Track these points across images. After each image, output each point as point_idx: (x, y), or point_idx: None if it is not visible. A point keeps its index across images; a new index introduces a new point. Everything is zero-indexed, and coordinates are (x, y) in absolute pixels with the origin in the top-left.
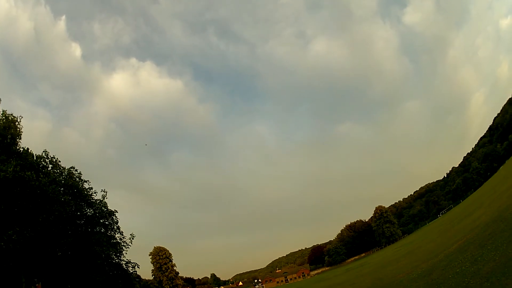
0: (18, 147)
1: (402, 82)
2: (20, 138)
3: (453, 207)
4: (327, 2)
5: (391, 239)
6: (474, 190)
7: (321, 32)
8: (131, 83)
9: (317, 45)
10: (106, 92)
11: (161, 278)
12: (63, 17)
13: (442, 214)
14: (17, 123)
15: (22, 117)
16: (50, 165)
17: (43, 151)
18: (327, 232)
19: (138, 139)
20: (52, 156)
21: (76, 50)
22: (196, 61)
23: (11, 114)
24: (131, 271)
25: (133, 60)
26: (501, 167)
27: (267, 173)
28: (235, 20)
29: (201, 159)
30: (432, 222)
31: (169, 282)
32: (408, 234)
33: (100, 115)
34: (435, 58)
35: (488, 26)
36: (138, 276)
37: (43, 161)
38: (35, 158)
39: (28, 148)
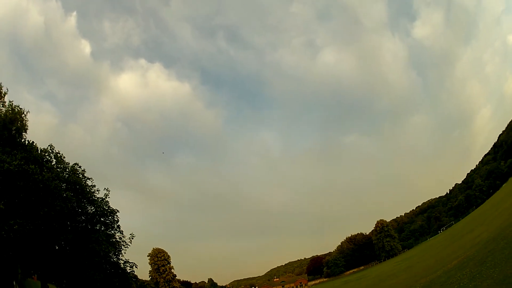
0: (23, 140)
1: (409, 95)
2: (25, 132)
3: (454, 223)
4: (337, 13)
5: (391, 253)
6: (476, 207)
7: (330, 42)
8: (139, 84)
9: (326, 55)
10: (113, 91)
11: (158, 279)
12: (74, 13)
13: (443, 230)
14: (23, 115)
15: (29, 112)
16: (54, 160)
17: (49, 146)
18: (327, 243)
19: (143, 139)
20: (57, 151)
21: (86, 47)
22: (205, 65)
23: (18, 106)
24: (129, 270)
25: (142, 61)
26: (503, 185)
27: (270, 180)
28: (244, 26)
29: (204, 163)
30: (432, 237)
31: (166, 284)
32: (408, 249)
33: (106, 114)
34: (443, 72)
35: (496, 41)
36: (135, 276)
37: (47, 155)
38: (39, 152)
39: (33, 142)
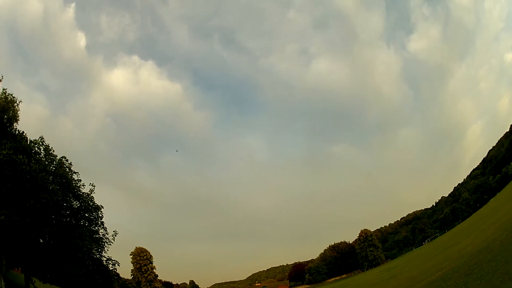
0: (13, 129)
1: (400, 108)
2: (17, 122)
3: (439, 236)
4: (333, 22)
5: (374, 263)
6: (462, 221)
7: (325, 51)
8: (131, 81)
9: (319, 64)
10: (105, 86)
11: (140, 279)
12: (73, 4)
13: (427, 241)
14: (15, 105)
15: (21, 101)
16: (43, 152)
17: (39, 137)
18: (310, 250)
19: (131, 137)
20: (46, 143)
21: (82, 40)
22: (197, 66)
23: (11, 94)
24: (111, 268)
25: (135, 58)
26: (491, 199)
27: (255, 186)
28: (240, 29)
29: (191, 164)
30: (417, 249)
31: (148, 284)
32: (392, 259)
33: (96, 108)
34: (435, 87)
35: (492, 58)
36: (117, 274)
37: (36, 147)
38: (29, 143)
39: (23, 132)
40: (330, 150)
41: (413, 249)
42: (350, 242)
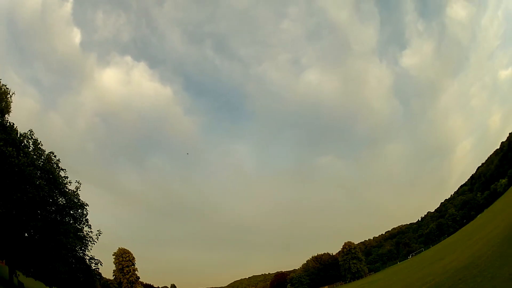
0: (5, 121)
1: (389, 122)
2: (8, 113)
3: (424, 250)
4: (327, 34)
5: (356, 275)
6: (448, 236)
7: (316, 63)
8: (122, 81)
9: (310, 75)
10: (96, 85)
11: (122, 280)
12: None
13: (412, 256)
14: (8, 96)
15: (14, 93)
16: (32, 146)
17: (29, 131)
18: (292, 260)
19: (119, 138)
20: (35, 137)
21: (77, 36)
22: (189, 71)
23: (5, 85)
24: (94, 267)
25: (128, 58)
26: (478, 215)
27: (241, 194)
28: (233, 36)
29: (178, 169)
30: (401, 262)
31: (129, 285)
32: (375, 272)
33: (86, 107)
34: (426, 102)
35: (486, 75)
36: (100, 274)
37: (26, 140)
38: (18, 136)
39: (13, 124)
40: (317, 161)
41: (397, 263)
42: (333, 254)
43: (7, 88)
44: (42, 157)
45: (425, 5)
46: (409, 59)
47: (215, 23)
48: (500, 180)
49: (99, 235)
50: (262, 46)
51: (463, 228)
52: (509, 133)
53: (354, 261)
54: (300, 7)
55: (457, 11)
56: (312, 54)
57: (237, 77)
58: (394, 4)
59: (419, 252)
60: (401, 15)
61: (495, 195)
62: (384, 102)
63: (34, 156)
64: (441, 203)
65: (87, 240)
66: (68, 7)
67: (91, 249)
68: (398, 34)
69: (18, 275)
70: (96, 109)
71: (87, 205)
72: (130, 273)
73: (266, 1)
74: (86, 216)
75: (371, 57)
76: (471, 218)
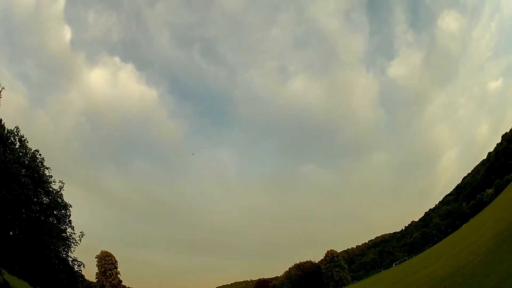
0: None
1: (373, 132)
2: None
3: (408, 259)
4: (315, 42)
5: (339, 283)
6: (433, 245)
7: (303, 71)
8: (109, 82)
9: (296, 83)
10: (84, 84)
11: (104, 283)
12: None
13: (396, 264)
14: None
15: (4, 88)
16: (18, 143)
17: (15, 127)
18: (274, 267)
19: (104, 139)
20: (21, 134)
21: (67, 34)
22: (175, 74)
23: None
24: (76, 269)
25: (116, 59)
26: (464, 225)
27: (223, 200)
28: (221, 42)
29: (161, 173)
30: (385, 271)
31: None
32: (358, 281)
33: (73, 106)
34: (412, 112)
35: (475, 87)
36: (82, 276)
37: (12, 137)
38: (5, 132)
39: (1, 120)
40: (300, 169)
41: (381, 271)
42: (316, 262)
43: None
44: (28, 155)
45: (416, 16)
46: (397, 69)
47: (205, 27)
48: (487, 190)
49: (82, 237)
50: (250, 53)
51: (448, 237)
52: (497, 144)
53: (337, 269)
54: (290, 14)
55: (449, 23)
56: (299, 62)
57: (223, 83)
58: (384, 15)
59: (403, 260)
60: (391, 26)
61: (481, 205)
62: (369, 111)
63: (20, 154)
64: (426, 212)
65: (70, 241)
66: (61, 3)
67: (74, 250)
68: (387, 44)
69: (4, 273)
70: (82, 109)
71: (70, 205)
72: (112, 276)
73: (257, 7)
74: (69, 217)
75: (358, 66)
76: (456, 227)
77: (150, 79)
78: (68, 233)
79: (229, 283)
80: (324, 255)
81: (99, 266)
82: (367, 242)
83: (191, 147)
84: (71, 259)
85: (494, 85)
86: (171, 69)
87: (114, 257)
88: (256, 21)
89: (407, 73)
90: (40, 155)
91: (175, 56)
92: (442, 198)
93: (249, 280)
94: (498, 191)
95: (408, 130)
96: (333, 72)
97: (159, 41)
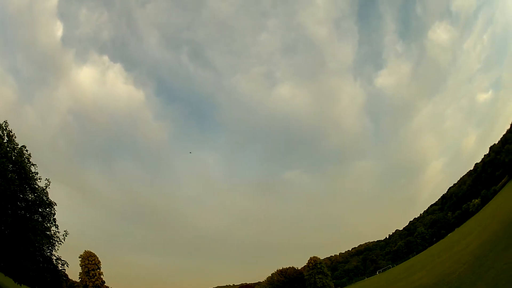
0: None
1: (359, 140)
2: None
3: (392, 267)
4: (303, 49)
5: None
6: (417, 254)
7: (290, 77)
8: (97, 81)
9: (283, 89)
10: (72, 82)
11: (88, 283)
12: None
13: (379, 272)
14: None
15: None
16: (6, 138)
17: (4, 122)
18: (257, 272)
19: (90, 138)
20: (9, 129)
21: (59, 30)
22: (162, 76)
23: None
24: (60, 268)
25: (105, 58)
26: (449, 234)
27: (207, 203)
28: (210, 45)
29: (146, 174)
30: (369, 278)
31: None
32: (342, 287)
33: (61, 103)
34: (398, 122)
35: (463, 98)
36: (66, 275)
37: (1, 131)
38: None
39: None
40: (284, 175)
41: (364, 279)
42: (299, 268)
43: None
44: (15, 150)
45: (406, 27)
46: (385, 79)
47: (194, 30)
48: (473, 200)
49: (66, 236)
50: (238, 57)
51: (433, 246)
52: (484, 155)
53: (320, 275)
54: (280, 20)
55: (439, 35)
56: (286, 69)
57: (209, 86)
58: (374, 24)
59: (387, 268)
60: (381, 36)
61: (467, 215)
62: (355, 119)
63: (8, 149)
64: (410, 221)
65: (54, 240)
66: None
67: (58, 249)
68: (375, 54)
69: None
70: (70, 107)
71: (55, 204)
72: (96, 277)
73: (247, 12)
74: (54, 215)
75: (345, 74)
76: (441, 236)
77: (138, 80)
78: (52, 231)
79: (211, 287)
80: (307, 262)
81: (82, 266)
82: (350, 249)
83: (176, 149)
84: (55, 257)
85: (483, 97)
86: (158, 71)
87: (98, 258)
88: (245, 26)
89: (395, 83)
90: (27, 151)
91: (163, 57)
92: (427, 208)
93: (231, 284)
94: (485, 201)
95: (394, 139)
96: (320, 80)
97: (148, 42)
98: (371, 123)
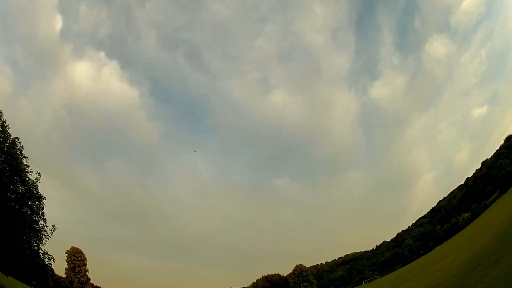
0: None
1: (350, 150)
2: None
3: (379, 278)
4: (299, 56)
5: None
6: (404, 265)
7: (284, 84)
8: (93, 77)
9: (276, 96)
10: (68, 76)
11: (73, 279)
12: None
13: (366, 282)
14: None
15: None
16: (0, 128)
17: None
18: (242, 277)
19: (82, 134)
20: (3, 119)
21: (58, 23)
22: (157, 76)
23: None
24: (47, 262)
25: (102, 55)
26: (437, 247)
27: (196, 206)
28: (206, 47)
29: (136, 174)
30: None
31: (80, 285)
32: None
33: (56, 98)
34: (391, 134)
35: (458, 112)
36: (52, 270)
37: None
38: None
39: None
40: (274, 182)
41: None
42: (284, 275)
43: None
44: (8, 141)
45: (404, 39)
46: (379, 90)
47: (191, 31)
48: (463, 214)
49: (54, 230)
50: (233, 61)
51: (420, 258)
52: (476, 170)
53: (305, 283)
54: (277, 26)
55: (437, 48)
56: (281, 75)
57: (203, 89)
58: (372, 35)
59: (374, 279)
60: (378, 47)
61: (456, 229)
62: (347, 130)
63: (1, 139)
64: (398, 233)
65: (42, 234)
66: None
67: (45, 243)
68: (371, 64)
69: None
70: (64, 102)
71: (44, 198)
72: (81, 273)
73: (245, 16)
74: (43, 209)
75: (340, 84)
76: (429, 249)
77: (133, 79)
78: (40, 225)
79: None
80: (293, 269)
81: (68, 261)
82: (336, 259)
83: (167, 151)
84: (42, 251)
85: (479, 111)
86: (154, 71)
87: (84, 254)
88: (242, 30)
89: (389, 94)
90: (19, 142)
91: (159, 57)
92: (415, 220)
93: None
94: (475, 215)
95: (386, 151)
96: (314, 88)
97: (145, 40)
98: (363, 134)
